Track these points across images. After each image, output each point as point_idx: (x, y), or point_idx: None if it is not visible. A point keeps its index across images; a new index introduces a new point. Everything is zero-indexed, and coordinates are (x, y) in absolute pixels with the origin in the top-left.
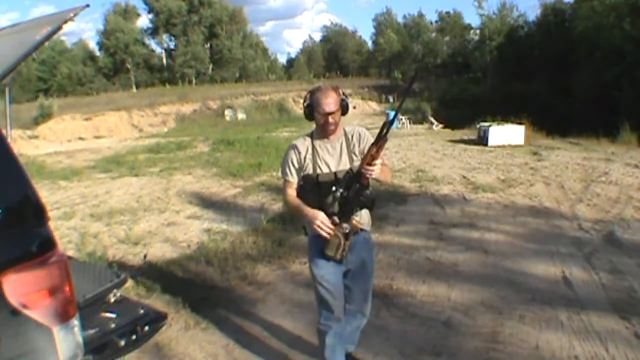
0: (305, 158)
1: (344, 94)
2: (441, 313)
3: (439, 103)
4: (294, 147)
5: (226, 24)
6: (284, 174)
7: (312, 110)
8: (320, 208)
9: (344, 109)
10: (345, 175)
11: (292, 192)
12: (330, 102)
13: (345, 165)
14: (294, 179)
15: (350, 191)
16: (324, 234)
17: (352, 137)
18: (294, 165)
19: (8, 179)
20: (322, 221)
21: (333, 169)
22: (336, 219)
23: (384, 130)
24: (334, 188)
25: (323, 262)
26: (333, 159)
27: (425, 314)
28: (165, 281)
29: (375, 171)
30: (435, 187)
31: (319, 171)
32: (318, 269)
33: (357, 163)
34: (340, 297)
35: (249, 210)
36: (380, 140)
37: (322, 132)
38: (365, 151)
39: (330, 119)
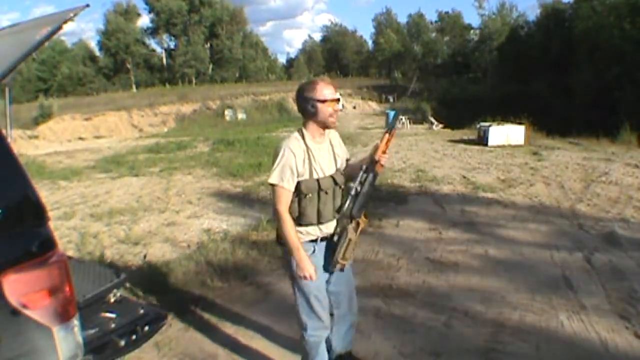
0: (303, 162)
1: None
2: (441, 313)
3: (439, 103)
4: (291, 148)
5: (226, 24)
6: (280, 180)
7: (315, 103)
8: (321, 216)
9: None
10: (360, 170)
11: (287, 210)
12: (334, 90)
13: (334, 168)
14: (291, 187)
15: (364, 185)
16: (306, 279)
17: (332, 137)
18: (292, 171)
19: (8, 179)
20: (310, 275)
21: (328, 173)
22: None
23: (395, 120)
24: (351, 184)
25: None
26: (326, 161)
27: (425, 314)
28: (165, 281)
29: (387, 157)
30: (435, 187)
31: (315, 176)
32: (313, 282)
33: (340, 165)
34: (327, 306)
35: (249, 210)
36: (394, 128)
37: (329, 124)
38: (381, 139)
39: (337, 106)
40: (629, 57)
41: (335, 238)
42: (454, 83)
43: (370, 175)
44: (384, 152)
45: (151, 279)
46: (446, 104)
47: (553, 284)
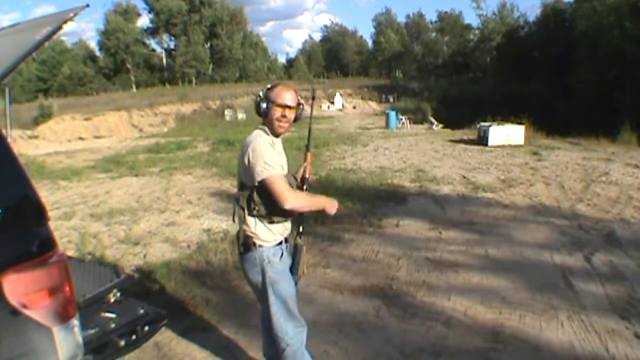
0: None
1: (301, 101)
2: (441, 313)
3: (439, 103)
4: (267, 142)
5: (227, 24)
6: (272, 169)
7: (268, 103)
8: (290, 217)
9: (298, 114)
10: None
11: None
12: (291, 97)
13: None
14: (283, 171)
15: None
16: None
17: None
18: (276, 161)
19: (8, 179)
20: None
21: (286, 170)
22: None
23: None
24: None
25: (287, 274)
26: (284, 160)
27: (425, 314)
28: (165, 281)
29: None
30: (435, 187)
31: (283, 171)
32: (288, 283)
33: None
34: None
35: None
36: (310, 145)
37: (274, 128)
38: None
39: (288, 114)
40: (629, 57)
41: (288, 247)
42: (454, 83)
43: (309, 192)
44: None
45: (151, 278)
46: (446, 104)
47: (553, 284)
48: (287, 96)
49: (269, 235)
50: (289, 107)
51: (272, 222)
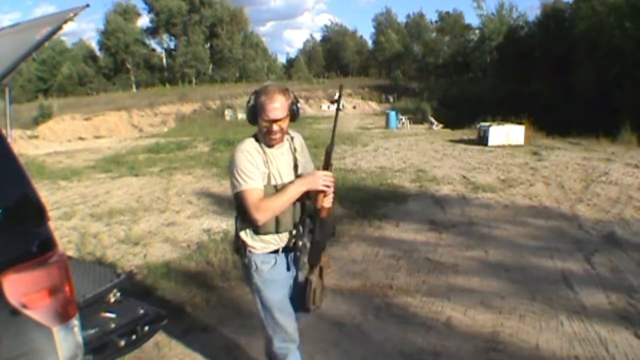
0: (260, 166)
1: (295, 97)
2: (441, 313)
3: (439, 103)
4: (246, 152)
5: (227, 24)
6: (244, 183)
7: (256, 113)
8: (279, 224)
9: (293, 114)
10: (304, 224)
11: (260, 198)
12: (276, 108)
13: (293, 174)
14: (259, 185)
15: (316, 233)
16: (328, 186)
17: (294, 140)
18: (252, 172)
19: (8, 179)
20: (325, 176)
21: (286, 180)
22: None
23: (329, 159)
24: (299, 242)
25: (277, 284)
26: (285, 167)
27: (425, 314)
28: (165, 281)
29: (330, 199)
30: (435, 187)
31: (273, 182)
32: (275, 293)
33: (301, 171)
34: (293, 317)
35: None
36: (330, 168)
37: (266, 140)
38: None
39: (276, 127)
40: (629, 57)
41: (301, 277)
42: (454, 83)
43: (318, 224)
44: (326, 195)
45: (151, 278)
46: (446, 104)
47: (553, 284)
48: (272, 110)
49: (258, 242)
50: (275, 121)
51: (257, 233)
